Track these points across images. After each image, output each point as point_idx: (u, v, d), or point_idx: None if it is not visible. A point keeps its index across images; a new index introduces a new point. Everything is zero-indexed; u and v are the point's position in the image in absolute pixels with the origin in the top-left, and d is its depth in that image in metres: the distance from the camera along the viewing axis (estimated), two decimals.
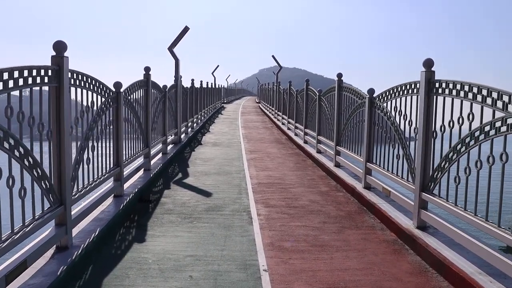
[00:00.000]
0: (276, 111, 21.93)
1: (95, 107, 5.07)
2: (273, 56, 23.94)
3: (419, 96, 5.00)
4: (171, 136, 11.83)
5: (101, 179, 5.33)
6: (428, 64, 4.78)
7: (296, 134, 14.85)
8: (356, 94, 7.85)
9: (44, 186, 3.71)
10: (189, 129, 15.98)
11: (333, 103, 9.53)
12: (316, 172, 9.21)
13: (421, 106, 4.90)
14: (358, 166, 7.74)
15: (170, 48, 12.04)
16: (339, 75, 8.88)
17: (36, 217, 3.61)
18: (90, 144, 4.89)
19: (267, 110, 28.96)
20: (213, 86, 30.19)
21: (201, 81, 20.75)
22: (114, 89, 5.93)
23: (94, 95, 4.97)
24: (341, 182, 7.92)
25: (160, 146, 9.94)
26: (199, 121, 19.18)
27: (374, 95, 6.89)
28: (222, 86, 46.48)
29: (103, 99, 5.37)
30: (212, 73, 35.81)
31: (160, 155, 9.91)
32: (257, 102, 46.82)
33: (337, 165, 8.97)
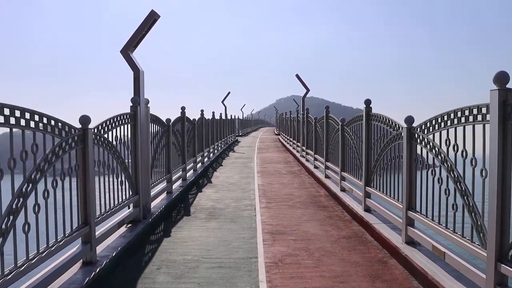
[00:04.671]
0: (304, 148, 16.41)
1: None
2: (297, 76, 18.60)
3: None
4: (130, 208, 6.45)
5: None
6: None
7: (343, 189, 9.28)
8: None
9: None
10: (179, 182, 10.58)
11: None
12: None
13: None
14: None
15: (125, 51, 6.78)
16: None
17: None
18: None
19: (289, 145, 23.52)
20: (222, 117, 24.90)
21: (202, 111, 15.45)
22: None
23: None
24: None
25: (75, 248, 4.54)
26: (198, 166, 13.79)
27: None
28: (237, 117, 41.39)
29: None
30: (223, 102, 30.56)
31: (74, 267, 4.48)
32: (276, 134, 41.59)
33: None
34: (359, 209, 7.51)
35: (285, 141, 26.84)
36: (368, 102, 7.40)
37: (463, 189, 4.08)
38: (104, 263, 4.75)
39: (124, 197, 6.13)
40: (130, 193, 6.46)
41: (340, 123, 9.47)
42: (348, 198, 8.52)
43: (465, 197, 4.04)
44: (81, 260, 4.67)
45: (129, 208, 6.56)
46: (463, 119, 4.07)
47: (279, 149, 24.36)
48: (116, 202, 5.77)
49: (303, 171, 14.33)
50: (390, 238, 5.70)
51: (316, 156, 13.37)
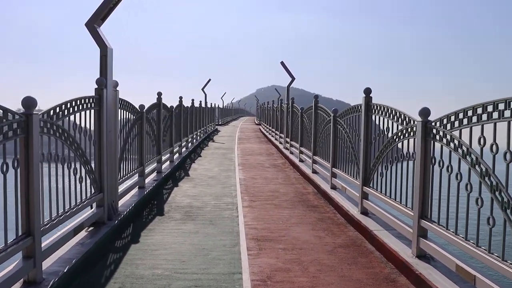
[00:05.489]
0: (288, 139, 15.56)
1: None
2: (282, 63, 17.71)
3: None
4: (92, 208, 5.48)
5: None
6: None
7: (334, 187, 8.46)
8: None
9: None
10: (153, 175, 9.62)
11: None
12: None
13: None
14: None
15: (91, 24, 5.77)
16: None
17: None
18: None
19: (271, 135, 22.65)
20: (202, 105, 23.86)
21: (181, 97, 14.45)
22: None
23: None
24: None
25: (14, 264, 3.59)
26: (175, 156, 12.81)
27: None
28: (217, 106, 40.32)
29: None
30: (203, 89, 29.46)
31: None
32: (257, 124, 40.68)
33: None
34: (354, 211, 6.70)
35: (267, 132, 25.97)
36: (368, 91, 6.55)
37: (505, 200, 3.27)
38: (51, 282, 3.79)
39: (84, 196, 5.15)
40: (93, 190, 5.49)
41: (332, 115, 8.61)
42: (341, 197, 7.71)
43: (507, 210, 3.23)
44: (22, 280, 3.70)
45: (91, 208, 5.61)
46: (507, 113, 3.25)
47: (260, 139, 23.49)
48: (72, 204, 4.79)
49: (287, 164, 13.49)
50: (397, 250, 4.89)
51: (302, 149, 12.53)
